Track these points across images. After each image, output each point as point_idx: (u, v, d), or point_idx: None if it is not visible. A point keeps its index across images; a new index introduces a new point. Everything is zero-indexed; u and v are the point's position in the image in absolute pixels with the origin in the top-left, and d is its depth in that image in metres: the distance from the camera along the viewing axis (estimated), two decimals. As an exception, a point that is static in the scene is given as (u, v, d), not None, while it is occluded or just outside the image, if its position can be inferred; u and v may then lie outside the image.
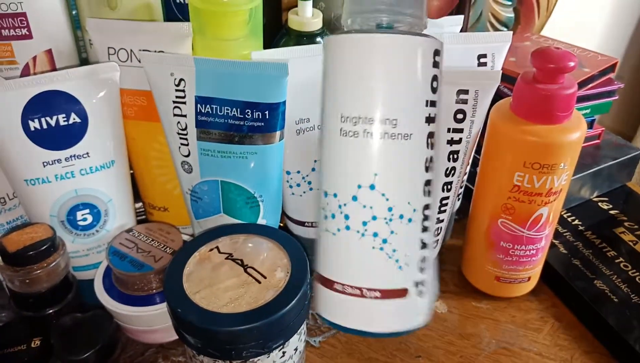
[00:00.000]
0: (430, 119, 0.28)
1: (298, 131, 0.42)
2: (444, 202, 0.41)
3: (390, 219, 0.28)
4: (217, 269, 0.35)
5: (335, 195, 0.28)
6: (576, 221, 0.52)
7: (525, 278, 0.45)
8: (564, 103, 0.37)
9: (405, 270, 0.28)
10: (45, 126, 0.38)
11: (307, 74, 0.39)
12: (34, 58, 0.42)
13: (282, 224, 0.48)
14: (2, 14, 0.40)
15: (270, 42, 0.44)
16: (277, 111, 0.38)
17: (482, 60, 0.43)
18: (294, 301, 0.33)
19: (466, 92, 0.38)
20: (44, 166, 0.39)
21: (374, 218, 0.28)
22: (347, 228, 0.28)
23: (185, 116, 0.38)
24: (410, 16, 0.28)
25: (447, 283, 0.48)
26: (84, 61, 0.45)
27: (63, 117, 0.38)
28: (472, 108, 0.38)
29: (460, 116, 0.38)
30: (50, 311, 0.39)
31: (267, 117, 0.38)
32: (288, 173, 0.44)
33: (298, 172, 0.43)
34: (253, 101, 0.37)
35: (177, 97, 0.38)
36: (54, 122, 0.38)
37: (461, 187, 0.50)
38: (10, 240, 0.38)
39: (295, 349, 0.36)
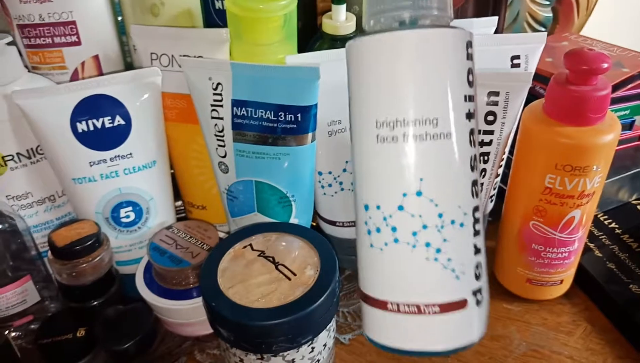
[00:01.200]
0: (470, 115, 0.26)
1: (330, 133, 0.43)
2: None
3: (442, 226, 0.26)
4: (249, 266, 0.37)
5: (378, 207, 0.27)
6: (613, 224, 0.51)
7: (558, 281, 0.44)
8: (596, 105, 0.37)
9: (462, 279, 0.26)
10: (92, 128, 0.40)
11: (339, 76, 0.40)
12: (82, 63, 0.44)
13: (314, 224, 0.50)
14: (54, 23, 0.42)
15: (305, 46, 0.45)
16: (309, 113, 0.39)
17: (515, 61, 0.43)
18: (322, 299, 0.34)
19: (497, 93, 0.38)
20: (91, 165, 0.41)
21: (425, 226, 0.26)
22: (396, 241, 0.26)
23: (222, 118, 0.40)
24: (435, 9, 0.26)
25: (479, 284, 0.48)
26: (128, 65, 0.48)
27: (109, 120, 0.40)
28: (503, 110, 0.38)
29: (491, 118, 0.38)
30: (95, 303, 0.42)
31: (300, 119, 0.39)
32: (320, 173, 0.45)
33: (330, 173, 0.45)
34: (286, 104, 0.38)
35: (214, 100, 0.40)
36: (100, 124, 0.40)
37: (494, 189, 0.50)
38: (59, 235, 0.40)
39: (324, 345, 0.37)
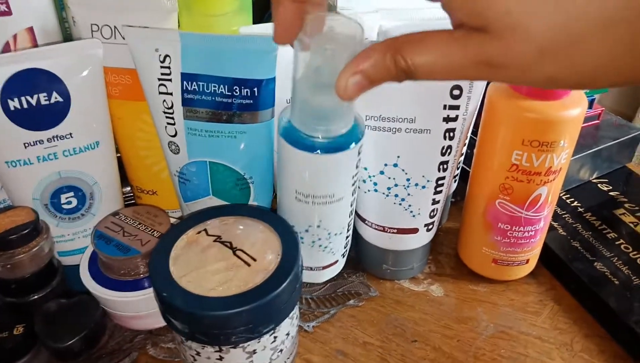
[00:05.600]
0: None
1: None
2: (439, 183, 0.40)
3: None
4: (205, 252, 0.34)
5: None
6: (575, 203, 0.51)
7: (524, 261, 0.44)
8: (564, 78, 0.36)
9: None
10: (25, 106, 0.36)
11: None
12: (14, 36, 0.40)
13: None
14: (-22, -11, 0.38)
15: (260, 18, 0.43)
16: (266, 87, 0.36)
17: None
18: (284, 284, 0.32)
19: (463, 67, 0.36)
20: (25, 147, 0.37)
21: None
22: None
23: (171, 93, 0.37)
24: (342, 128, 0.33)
25: (444, 266, 0.47)
26: (67, 40, 0.44)
27: (44, 96, 0.37)
28: (469, 84, 0.36)
29: (456, 91, 0.36)
30: (34, 297, 0.38)
31: (257, 94, 0.36)
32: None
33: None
34: (241, 78, 0.36)
35: (162, 74, 0.37)
36: (35, 101, 0.36)
37: (457, 168, 0.49)
38: (-9, 224, 0.36)
39: (287, 334, 0.35)
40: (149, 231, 0.39)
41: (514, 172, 0.39)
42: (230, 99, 0.36)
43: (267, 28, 0.38)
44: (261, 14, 0.43)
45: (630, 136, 0.53)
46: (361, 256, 0.47)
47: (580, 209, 0.50)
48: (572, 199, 0.51)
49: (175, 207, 0.45)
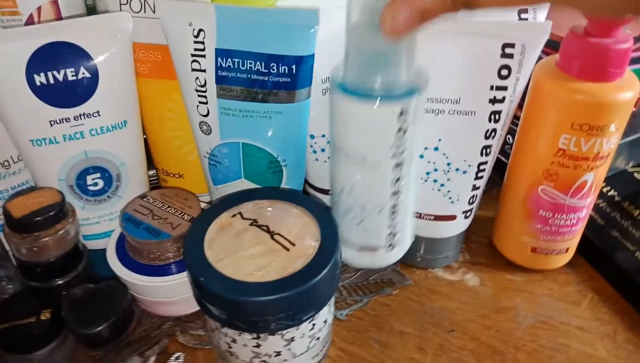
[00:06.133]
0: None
1: (324, 91, 0.39)
2: (481, 168, 0.38)
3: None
4: (240, 236, 0.33)
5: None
6: (612, 192, 0.49)
7: (564, 250, 0.42)
8: (618, 58, 0.34)
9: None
10: (52, 81, 0.35)
11: (336, 27, 0.36)
12: (39, 8, 0.38)
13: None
14: (3, -40, 0.37)
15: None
16: (305, 65, 0.34)
17: (522, 15, 0.40)
18: (325, 270, 0.30)
19: (512, 45, 0.34)
20: (51, 125, 0.36)
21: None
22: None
23: (204, 71, 0.35)
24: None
25: (477, 255, 0.45)
26: (91, 13, 0.42)
27: (72, 72, 0.35)
28: (519, 64, 0.35)
29: (504, 72, 0.35)
30: (59, 282, 0.37)
31: (294, 72, 0.34)
32: (312, 136, 0.41)
33: (323, 136, 0.41)
34: (279, 54, 0.34)
35: (195, 49, 0.35)
36: (62, 76, 0.35)
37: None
38: (15, 205, 0.35)
39: (325, 321, 0.34)
40: (179, 214, 0.38)
41: (561, 157, 0.37)
42: (267, 77, 0.35)
43: (304, 2, 0.36)
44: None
45: (669, 124, 0.51)
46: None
47: (617, 199, 0.49)
48: (609, 188, 0.50)
49: (202, 191, 0.43)
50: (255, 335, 0.31)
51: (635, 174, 0.52)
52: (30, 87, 0.34)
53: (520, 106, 0.40)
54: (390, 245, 0.35)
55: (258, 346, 0.32)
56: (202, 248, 0.32)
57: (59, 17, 0.39)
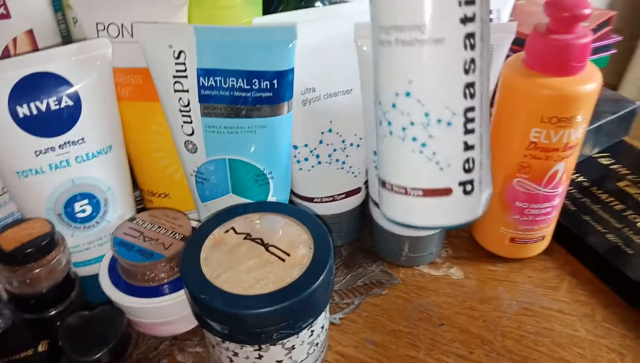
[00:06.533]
0: (466, 19, 0.27)
1: (304, 102, 0.40)
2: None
3: (428, 124, 0.28)
4: (235, 251, 0.34)
5: (380, 103, 0.30)
6: (581, 178, 0.52)
7: (540, 237, 0.44)
8: (579, 53, 0.36)
9: (446, 170, 0.29)
10: (35, 112, 0.35)
11: (312, 40, 0.37)
12: (14, 40, 0.38)
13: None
14: (-26, -7, 0.36)
15: (266, 9, 0.42)
16: (285, 79, 0.36)
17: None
18: (322, 277, 0.31)
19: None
20: (37, 155, 0.36)
21: (412, 123, 0.29)
22: (391, 133, 0.30)
23: (187, 91, 0.36)
24: None
25: (459, 249, 0.47)
26: (66, 43, 0.42)
27: (54, 101, 0.35)
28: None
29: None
30: (54, 312, 0.37)
31: (276, 86, 0.35)
32: (295, 147, 0.42)
33: (306, 145, 0.42)
34: (260, 70, 0.35)
35: (177, 71, 0.35)
36: (45, 106, 0.35)
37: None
38: (5, 238, 0.35)
39: (322, 327, 0.35)
40: (170, 234, 0.38)
41: (533, 150, 0.39)
42: (249, 93, 0.35)
43: (279, 18, 0.37)
44: (266, 6, 0.42)
45: (628, 110, 0.54)
46: (378, 245, 0.46)
47: (586, 184, 0.51)
48: (577, 174, 0.52)
49: (188, 208, 0.44)
50: (257, 347, 0.32)
51: (600, 160, 0.55)
52: (14, 119, 0.34)
53: (491, 104, 0.42)
54: (468, 184, 0.30)
55: (260, 357, 0.33)
56: (199, 266, 0.32)
57: (35, 47, 0.39)
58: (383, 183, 0.32)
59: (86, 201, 0.38)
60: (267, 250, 0.33)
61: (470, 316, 0.41)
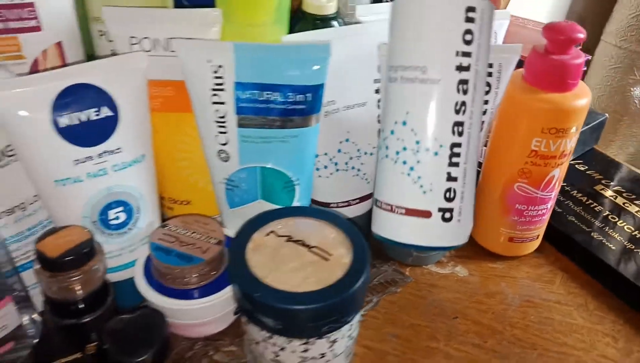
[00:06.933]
0: (461, 68, 0.32)
1: (326, 113, 0.42)
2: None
3: (418, 151, 0.33)
4: (277, 252, 0.36)
5: (383, 130, 0.35)
6: (563, 183, 0.57)
7: (535, 237, 0.49)
8: (574, 71, 0.41)
9: (428, 194, 0.34)
10: (76, 122, 0.36)
11: (335, 57, 0.40)
12: (44, 52, 0.39)
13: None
14: (8, 5, 0.37)
15: (291, 29, 0.44)
16: (317, 92, 0.38)
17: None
18: (364, 275, 0.34)
19: (491, 65, 0.40)
20: (76, 164, 0.37)
21: (404, 148, 0.34)
22: (387, 156, 0.35)
23: (224, 103, 0.38)
24: None
25: (461, 248, 0.51)
26: (90, 56, 0.43)
27: (95, 112, 0.36)
28: (497, 80, 0.41)
29: (487, 88, 0.40)
30: (90, 318, 0.37)
31: (309, 99, 0.38)
32: (316, 155, 0.44)
33: (325, 154, 0.44)
34: (295, 84, 0.37)
35: (215, 84, 0.37)
36: (86, 117, 0.36)
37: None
38: (47, 245, 0.35)
39: (358, 321, 0.37)
40: (205, 238, 0.40)
41: (534, 157, 0.43)
42: (284, 106, 0.38)
43: (308, 37, 0.40)
44: (291, 25, 0.44)
45: (598, 121, 0.60)
46: (388, 246, 0.49)
47: (567, 188, 0.56)
48: (558, 179, 0.57)
49: (210, 214, 0.45)
50: (305, 341, 0.34)
51: (577, 166, 0.60)
52: (55, 129, 0.35)
53: (485, 144, 0.46)
54: (447, 212, 0.33)
55: (306, 350, 0.35)
56: (247, 268, 0.34)
57: (64, 62, 0.40)
58: (375, 201, 0.36)
59: (121, 208, 0.39)
60: (310, 250, 0.36)
61: (479, 309, 0.45)
